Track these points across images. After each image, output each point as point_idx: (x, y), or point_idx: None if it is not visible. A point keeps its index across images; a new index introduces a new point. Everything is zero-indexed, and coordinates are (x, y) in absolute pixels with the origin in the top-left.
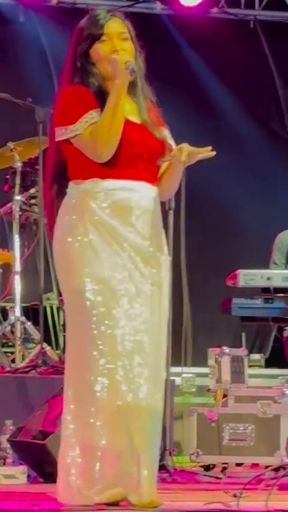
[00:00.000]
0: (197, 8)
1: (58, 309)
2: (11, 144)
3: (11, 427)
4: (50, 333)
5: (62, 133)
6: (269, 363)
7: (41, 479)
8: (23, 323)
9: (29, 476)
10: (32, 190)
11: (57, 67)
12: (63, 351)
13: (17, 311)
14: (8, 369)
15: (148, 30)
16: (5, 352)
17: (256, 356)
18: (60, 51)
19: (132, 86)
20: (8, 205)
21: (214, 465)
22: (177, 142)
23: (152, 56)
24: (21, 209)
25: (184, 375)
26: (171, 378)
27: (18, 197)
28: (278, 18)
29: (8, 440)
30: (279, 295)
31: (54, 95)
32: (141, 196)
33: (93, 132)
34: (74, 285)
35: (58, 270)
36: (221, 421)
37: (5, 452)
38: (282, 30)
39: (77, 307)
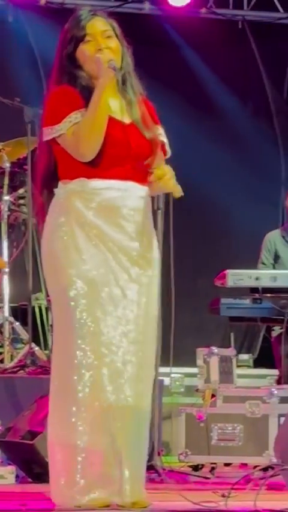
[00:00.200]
0: (185, 8)
1: (47, 309)
2: None
3: None
4: (39, 333)
5: (48, 133)
6: (258, 363)
7: (30, 480)
8: (11, 323)
9: (17, 476)
10: (21, 191)
11: (45, 67)
12: (52, 351)
13: (6, 311)
14: None
15: (137, 31)
16: None
17: (245, 356)
18: (48, 51)
19: (122, 84)
20: None
21: (203, 465)
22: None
23: (141, 57)
24: (9, 209)
25: (173, 375)
26: (160, 378)
27: (6, 197)
28: (266, 19)
29: None
30: (267, 295)
31: (42, 95)
32: (128, 196)
33: (76, 131)
34: (60, 285)
35: (45, 269)
36: (209, 421)
37: None
38: (270, 30)
39: (62, 307)
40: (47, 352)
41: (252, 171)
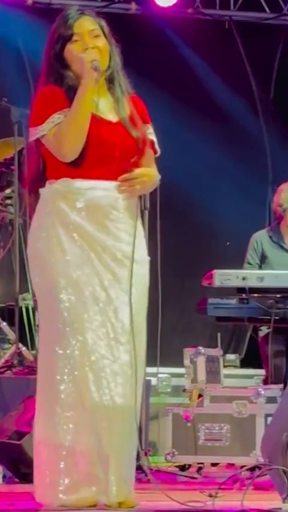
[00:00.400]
0: (172, 8)
1: (33, 309)
2: None
3: None
4: (26, 333)
5: (32, 134)
6: (244, 363)
7: (17, 480)
8: None
9: (4, 476)
10: (8, 191)
11: (32, 67)
12: (38, 351)
13: None
14: None
15: (123, 31)
16: None
17: (231, 356)
18: (35, 51)
19: (110, 81)
20: None
21: (190, 465)
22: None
23: (128, 57)
24: None
25: (160, 375)
26: (147, 378)
27: None
28: (252, 19)
29: None
30: (254, 295)
31: (30, 95)
32: (113, 195)
33: (57, 132)
34: (45, 285)
35: (30, 269)
36: (196, 421)
37: None
38: (257, 30)
39: (47, 307)
40: (34, 352)
41: (239, 171)
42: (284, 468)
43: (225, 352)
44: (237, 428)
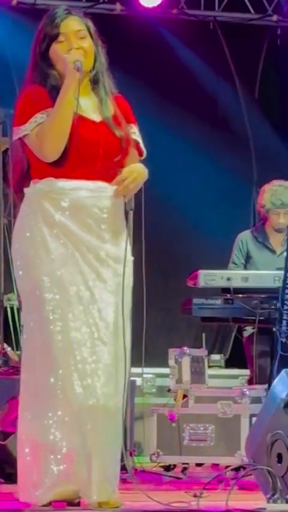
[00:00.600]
0: (157, 9)
1: (18, 309)
2: None
3: None
4: (11, 334)
5: (15, 133)
6: (229, 364)
7: (1, 480)
8: None
9: None
10: None
11: (16, 67)
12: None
13: None
14: None
15: (108, 31)
16: None
17: (216, 356)
18: (19, 52)
19: (94, 81)
20: None
21: (175, 465)
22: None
23: (113, 57)
24: None
25: (144, 376)
26: (132, 378)
27: None
28: (237, 20)
29: None
30: (239, 295)
31: (14, 95)
32: (98, 196)
33: (39, 132)
34: (29, 284)
35: (14, 269)
36: (181, 422)
37: None
38: (241, 31)
39: (31, 306)
40: (19, 352)
41: (224, 172)
42: (269, 468)
43: (210, 352)
44: (222, 429)
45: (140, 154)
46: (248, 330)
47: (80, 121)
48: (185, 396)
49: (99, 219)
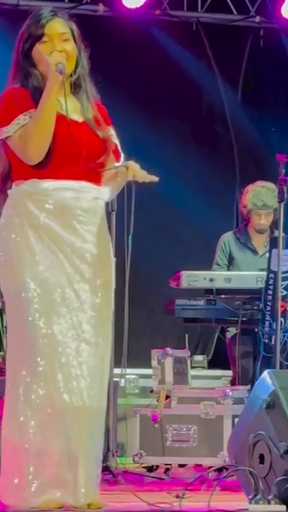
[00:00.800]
0: (139, 9)
1: (1, 310)
2: None
3: None
4: None
5: None
6: (212, 364)
7: None
8: None
9: None
10: None
11: None
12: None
13: None
14: None
15: (91, 32)
16: None
17: (199, 357)
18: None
19: (76, 86)
20: None
21: (157, 466)
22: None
23: (96, 58)
24: None
25: (127, 376)
26: (115, 379)
27: None
28: (220, 21)
29: None
30: (221, 296)
31: None
32: (81, 196)
33: (22, 134)
34: (13, 286)
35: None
36: (164, 422)
37: None
38: (224, 32)
39: (16, 308)
40: (2, 353)
41: (206, 173)
42: (251, 469)
43: (193, 353)
44: (205, 429)
45: (118, 157)
46: (231, 331)
47: (63, 121)
48: (167, 397)
49: (83, 220)
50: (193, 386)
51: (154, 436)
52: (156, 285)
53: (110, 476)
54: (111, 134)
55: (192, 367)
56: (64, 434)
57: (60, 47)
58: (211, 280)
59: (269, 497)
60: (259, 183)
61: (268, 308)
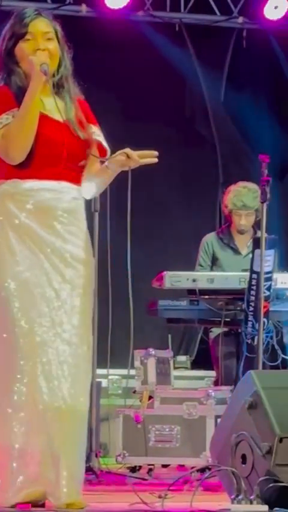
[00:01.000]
0: (122, 10)
1: None
2: None
3: None
4: None
5: None
6: (195, 365)
7: None
8: None
9: None
10: None
11: None
12: None
13: None
14: None
15: (74, 33)
16: None
17: (182, 358)
18: None
19: (58, 86)
20: None
21: (140, 466)
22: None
23: (78, 59)
24: None
25: (110, 377)
26: (97, 379)
27: None
28: (203, 22)
29: None
30: (204, 297)
31: None
32: (62, 197)
33: (5, 134)
34: None
35: None
36: (147, 423)
37: None
38: (207, 33)
39: None
40: None
41: (189, 173)
42: (233, 469)
43: (176, 353)
44: (188, 430)
45: (103, 153)
46: (215, 332)
47: (44, 121)
48: (150, 397)
49: (63, 220)
50: (176, 386)
51: (137, 437)
52: (139, 286)
53: (92, 476)
54: (93, 132)
55: (175, 368)
56: (46, 433)
57: (43, 45)
58: (194, 280)
59: (251, 497)
60: (241, 183)
61: (251, 308)
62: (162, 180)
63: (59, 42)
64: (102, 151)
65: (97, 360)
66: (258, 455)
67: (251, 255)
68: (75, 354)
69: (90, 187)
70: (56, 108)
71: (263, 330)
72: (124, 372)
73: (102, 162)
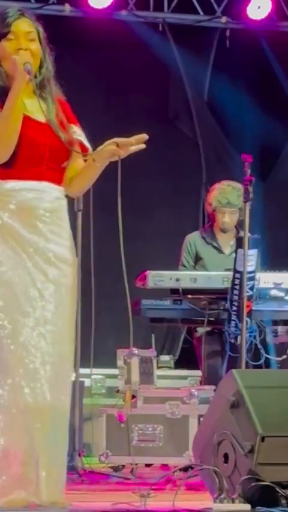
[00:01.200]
0: (106, 10)
1: None
2: None
3: None
4: None
5: None
6: (178, 364)
7: None
8: None
9: None
10: None
11: None
12: None
13: None
14: None
15: (57, 33)
16: None
17: (165, 357)
18: None
19: (40, 87)
20: None
21: (123, 466)
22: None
23: (61, 59)
24: None
25: (93, 376)
26: (81, 379)
27: None
28: (186, 21)
29: None
30: (188, 296)
31: None
32: (44, 197)
33: None
34: None
35: None
36: (130, 422)
37: None
38: (190, 32)
39: None
40: None
41: (173, 172)
42: (215, 468)
43: (160, 353)
44: (171, 429)
45: (84, 150)
46: (200, 331)
47: (26, 121)
48: (133, 397)
49: (46, 220)
50: (159, 386)
51: (120, 436)
52: (122, 285)
53: (75, 476)
54: (74, 132)
55: (158, 367)
56: (28, 433)
57: (25, 45)
58: (177, 280)
59: (234, 496)
60: (225, 182)
61: (234, 308)
62: (145, 180)
63: (41, 43)
64: (84, 150)
65: (80, 359)
66: (240, 454)
67: (234, 255)
68: (58, 354)
69: (75, 186)
70: (39, 109)
71: (246, 329)
72: (107, 371)
73: (85, 160)
